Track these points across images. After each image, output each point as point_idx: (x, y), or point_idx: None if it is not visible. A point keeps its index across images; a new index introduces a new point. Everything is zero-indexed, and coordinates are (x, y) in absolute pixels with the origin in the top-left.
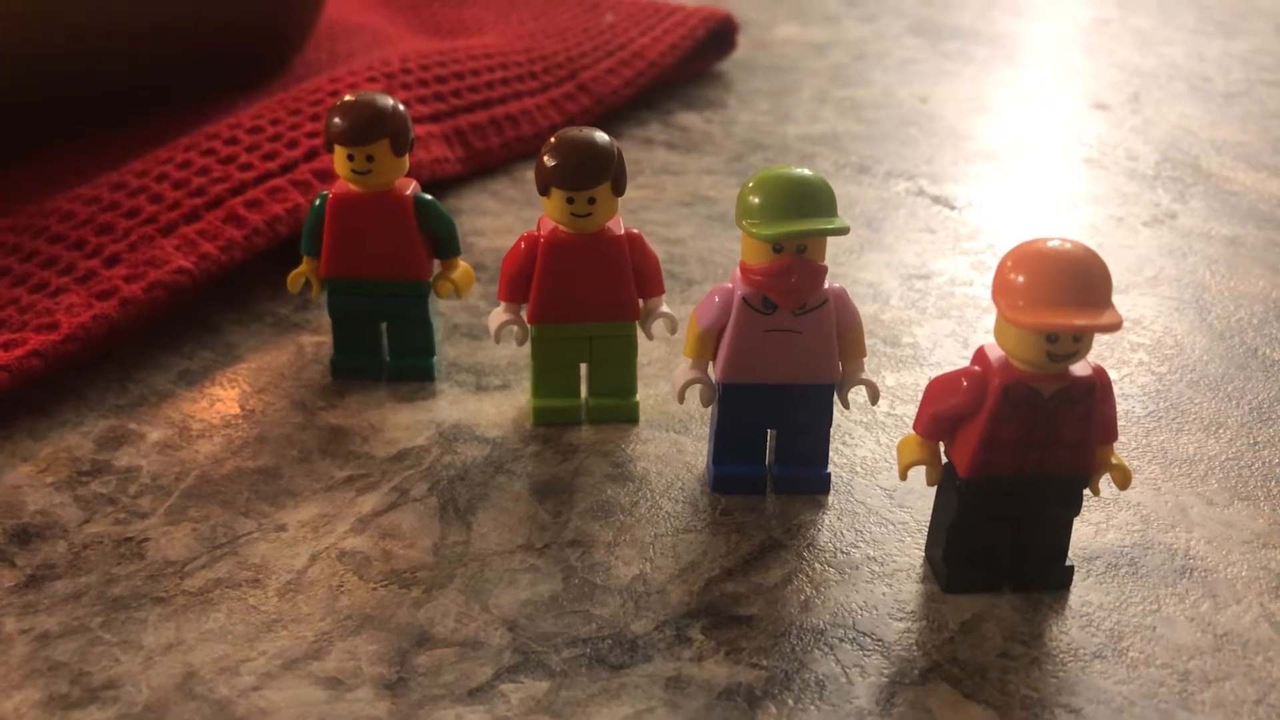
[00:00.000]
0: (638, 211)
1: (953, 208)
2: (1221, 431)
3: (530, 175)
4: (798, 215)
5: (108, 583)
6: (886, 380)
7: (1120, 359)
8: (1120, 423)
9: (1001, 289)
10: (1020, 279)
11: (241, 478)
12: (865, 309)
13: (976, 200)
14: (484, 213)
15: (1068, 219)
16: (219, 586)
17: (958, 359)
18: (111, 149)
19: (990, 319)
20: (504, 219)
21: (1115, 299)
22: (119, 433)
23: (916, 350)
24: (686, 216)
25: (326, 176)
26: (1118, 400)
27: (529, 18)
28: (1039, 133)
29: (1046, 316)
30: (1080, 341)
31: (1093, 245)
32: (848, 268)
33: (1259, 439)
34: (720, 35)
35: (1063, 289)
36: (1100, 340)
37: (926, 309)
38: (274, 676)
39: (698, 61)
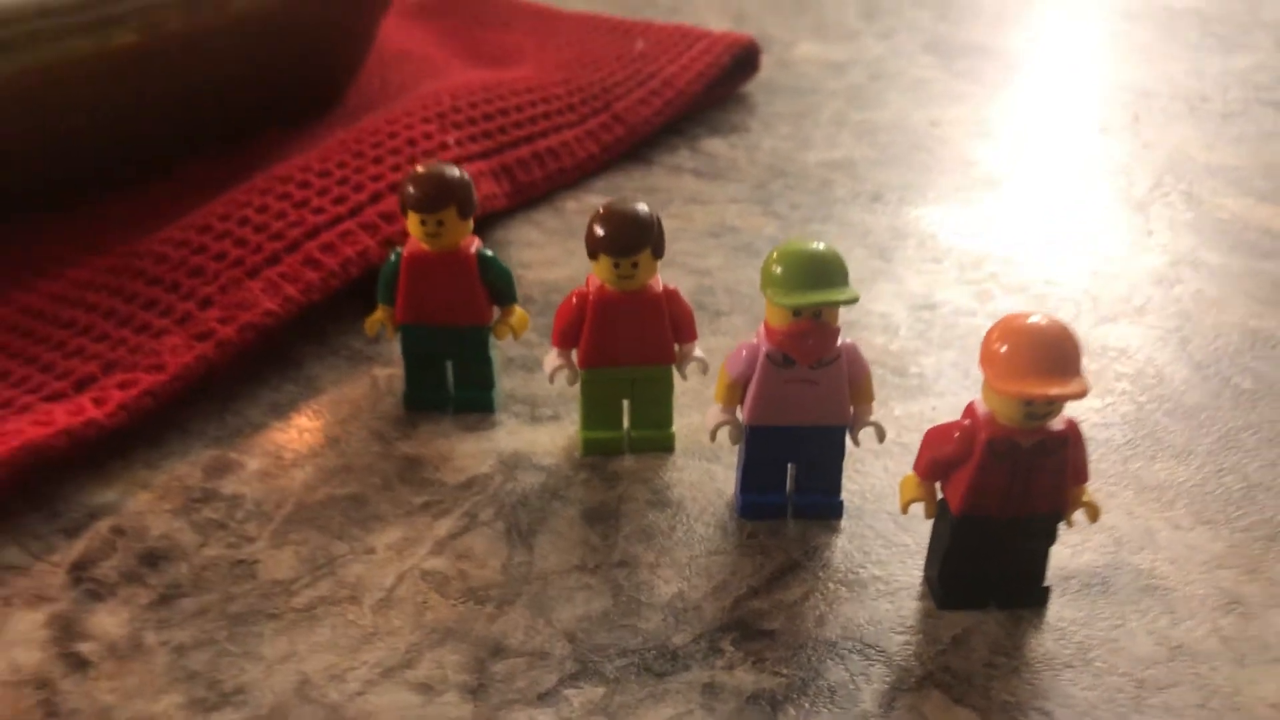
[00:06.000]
0: (670, 242)
1: (957, 235)
2: (1191, 459)
3: (570, 205)
4: (813, 286)
5: (227, 600)
6: (895, 410)
7: (1105, 388)
8: (1100, 450)
9: (986, 359)
10: (1002, 351)
11: (333, 504)
12: (876, 340)
13: (980, 229)
14: (529, 244)
15: (1064, 247)
16: (322, 604)
17: (960, 389)
18: (184, 190)
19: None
20: (548, 250)
21: (1105, 329)
22: (222, 462)
23: (923, 380)
24: (714, 247)
25: (391, 218)
26: (1102, 428)
27: (565, 44)
28: (1043, 158)
29: (1023, 386)
30: (1053, 405)
31: (1086, 273)
32: (862, 298)
33: (1224, 465)
34: (745, 60)
35: (1038, 362)
36: (1088, 370)
37: (932, 339)
38: (375, 683)
39: (724, 86)
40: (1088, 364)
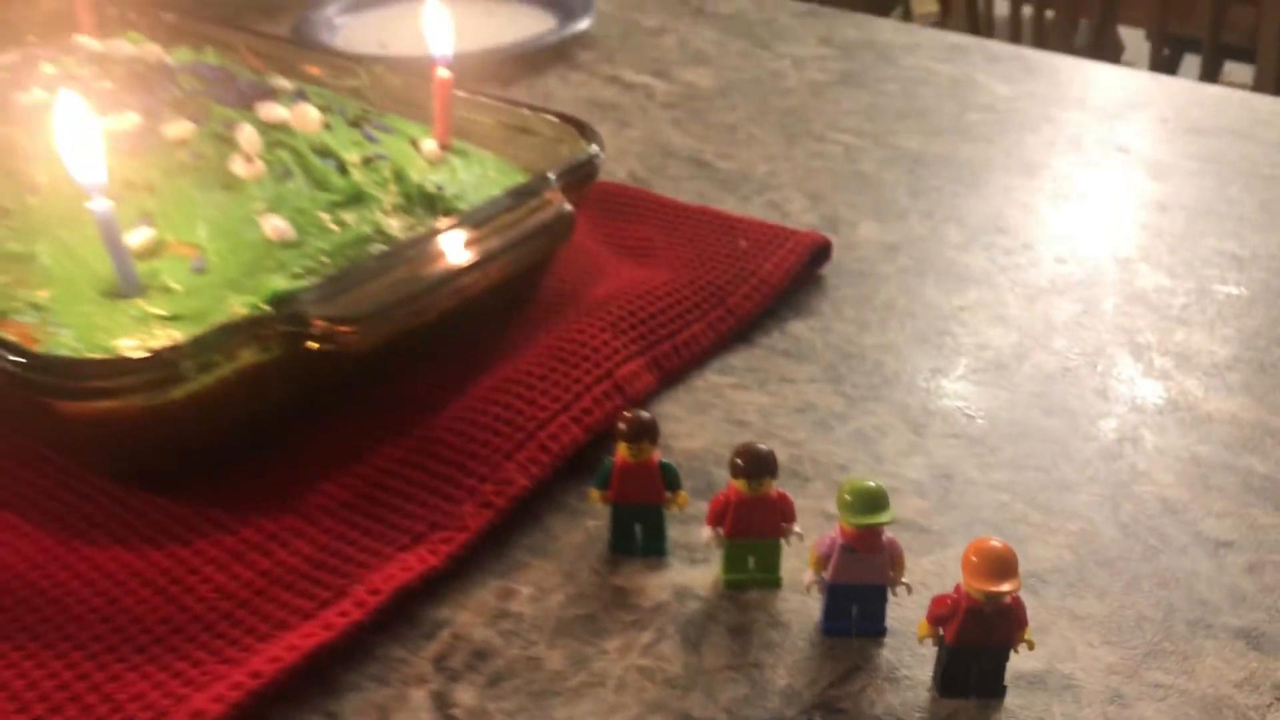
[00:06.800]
0: (768, 416)
1: (968, 416)
2: (1108, 598)
3: (699, 384)
4: (868, 512)
5: (529, 683)
6: (921, 560)
7: (1059, 544)
8: (1046, 585)
9: (964, 565)
10: (973, 561)
11: (577, 620)
12: (910, 501)
13: (989, 406)
14: (674, 419)
15: (1055, 435)
16: (584, 686)
17: (963, 542)
18: (437, 383)
19: (944, 552)
20: (686, 424)
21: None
22: (506, 590)
23: (941, 536)
24: (800, 422)
25: (590, 411)
26: (1052, 568)
27: (686, 240)
28: (1045, 352)
29: (982, 585)
30: (1000, 594)
31: (1058, 464)
32: (903, 467)
33: (1125, 603)
34: (822, 254)
35: (991, 571)
36: (1050, 526)
37: (949, 503)
38: None
39: (806, 270)
40: (1050, 524)
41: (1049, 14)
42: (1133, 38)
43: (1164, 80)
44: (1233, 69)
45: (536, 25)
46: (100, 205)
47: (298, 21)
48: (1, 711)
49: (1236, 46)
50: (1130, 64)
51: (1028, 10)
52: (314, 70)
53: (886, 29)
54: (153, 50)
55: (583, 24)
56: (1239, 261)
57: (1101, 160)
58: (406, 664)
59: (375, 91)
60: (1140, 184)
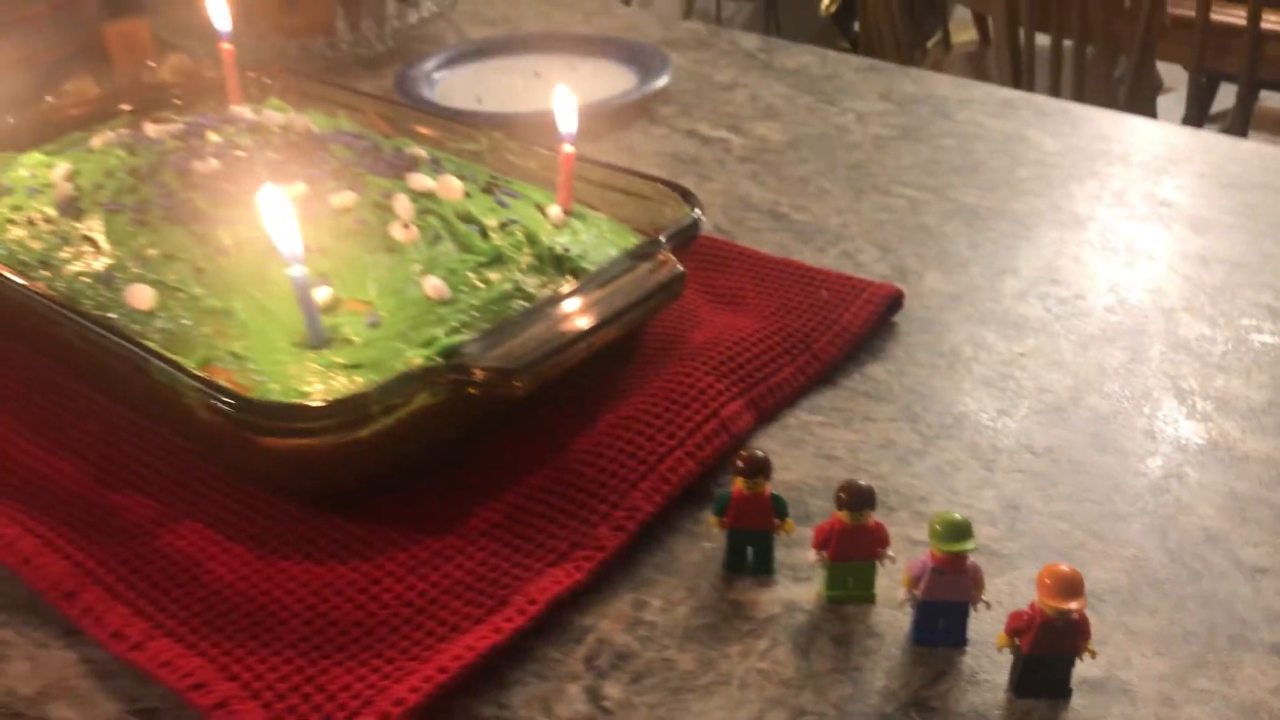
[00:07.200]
0: (855, 451)
1: (1032, 453)
2: (1158, 615)
3: (790, 422)
4: (954, 540)
5: (664, 681)
6: (996, 580)
7: (1115, 567)
8: (1104, 603)
9: (1038, 584)
10: (1046, 582)
11: (696, 629)
12: (984, 529)
13: (1050, 444)
14: (771, 454)
15: (1108, 470)
16: (713, 684)
17: (1030, 565)
18: (564, 420)
19: (1015, 573)
20: (782, 458)
21: (1121, 529)
22: (639, 602)
23: (1012, 561)
24: (884, 457)
25: (702, 447)
26: (1109, 589)
27: (772, 289)
28: (1098, 395)
29: (1054, 602)
30: (1069, 611)
31: (1111, 496)
32: (975, 499)
33: (1174, 620)
34: (895, 304)
35: (1061, 590)
36: (1107, 552)
37: (1018, 533)
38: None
39: (881, 321)
40: (1106, 550)
41: (1089, 49)
42: (1170, 67)
43: (1202, 136)
44: (1268, 95)
45: (617, 79)
46: (297, 270)
47: (399, 77)
48: (237, 699)
49: (1274, 81)
50: (1171, 89)
51: (1068, 43)
52: (429, 132)
53: (942, 84)
54: (300, 120)
55: (662, 80)
56: (1273, 313)
57: (1145, 214)
58: (561, 663)
59: (493, 156)
60: (1182, 237)
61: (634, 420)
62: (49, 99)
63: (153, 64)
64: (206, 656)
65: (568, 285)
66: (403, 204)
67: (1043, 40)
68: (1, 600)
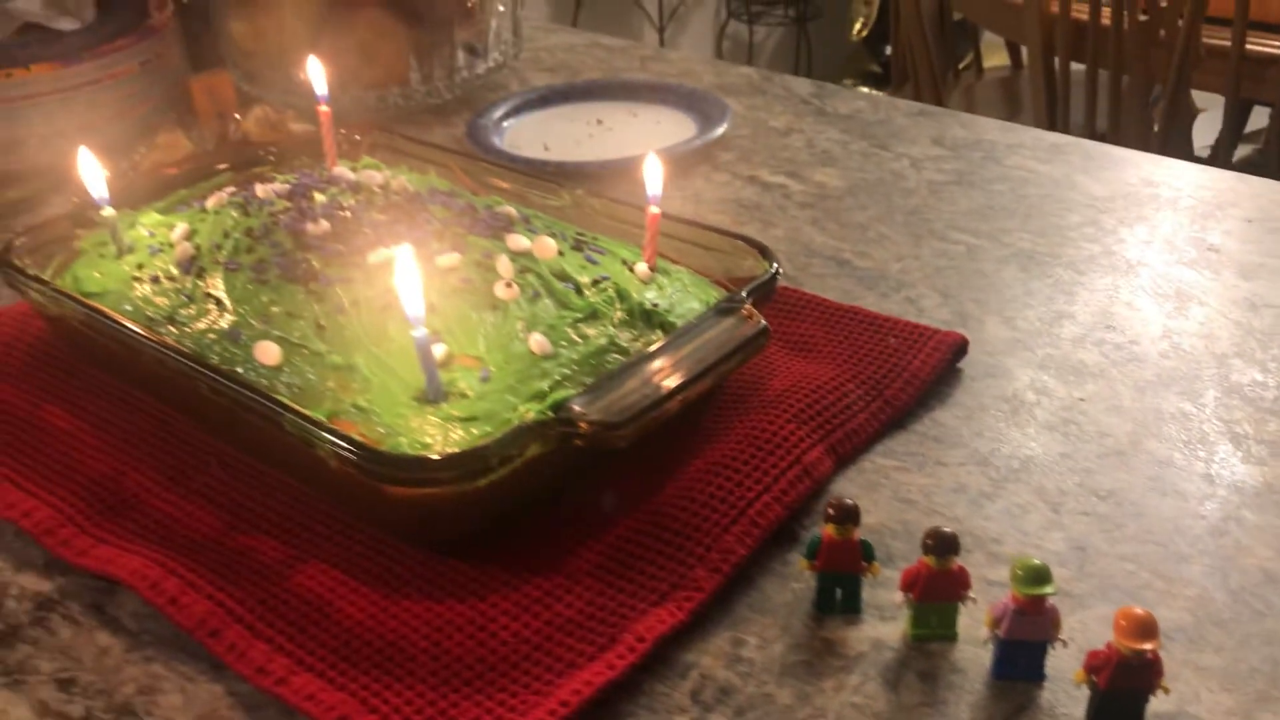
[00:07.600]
0: (929, 495)
1: (1097, 497)
2: (1224, 653)
3: (867, 466)
4: (1035, 584)
5: (764, 715)
6: (1069, 620)
7: (1180, 607)
8: (1172, 641)
9: (1115, 625)
10: (1122, 623)
11: (798, 664)
12: (1058, 571)
13: (1113, 490)
14: (850, 498)
15: (1169, 513)
16: (809, 717)
17: (1103, 605)
18: (653, 467)
19: (1085, 612)
20: (862, 502)
21: (1184, 570)
22: (735, 639)
23: (1082, 601)
24: (957, 500)
25: (787, 492)
26: (1175, 627)
27: (843, 338)
28: (1156, 440)
29: (1130, 642)
30: (1145, 651)
31: (1173, 538)
32: (1045, 540)
33: (1239, 657)
34: (960, 350)
35: (1136, 631)
36: (1172, 592)
37: (1086, 574)
38: None
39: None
40: (1171, 590)
41: (1125, 79)
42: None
43: (1249, 180)
44: None
45: (676, 126)
46: (420, 332)
47: (471, 127)
48: None
49: None
50: (1204, 109)
51: (1103, 73)
52: (508, 185)
53: (991, 128)
54: (397, 181)
55: (722, 127)
56: None
57: (1195, 258)
58: (669, 697)
59: (576, 211)
60: (1231, 283)
61: (722, 466)
62: (141, 149)
63: (238, 115)
64: (346, 691)
65: (657, 339)
66: (504, 264)
67: (1076, 67)
68: (148, 637)
